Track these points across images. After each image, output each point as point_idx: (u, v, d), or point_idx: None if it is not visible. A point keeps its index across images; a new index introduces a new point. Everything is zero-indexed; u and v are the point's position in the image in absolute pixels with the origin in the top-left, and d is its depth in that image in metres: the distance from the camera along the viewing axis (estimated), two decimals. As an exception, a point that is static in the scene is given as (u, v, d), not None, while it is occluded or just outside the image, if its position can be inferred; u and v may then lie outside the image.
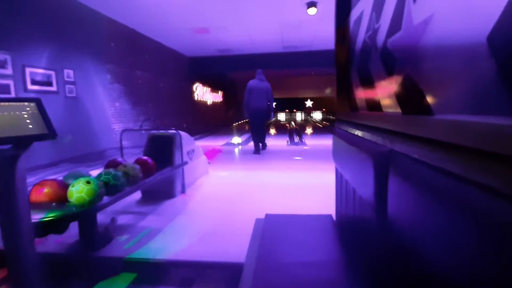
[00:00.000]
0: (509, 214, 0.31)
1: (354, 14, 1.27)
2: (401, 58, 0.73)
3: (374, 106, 0.98)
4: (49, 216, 1.44)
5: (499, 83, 0.40)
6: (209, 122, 11.71)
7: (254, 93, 5.16)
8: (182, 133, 2.88)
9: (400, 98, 0.74)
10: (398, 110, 0.75)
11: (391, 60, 0.78)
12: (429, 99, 0.59)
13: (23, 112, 1.10)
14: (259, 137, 5.44)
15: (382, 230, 0.70)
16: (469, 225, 0.37)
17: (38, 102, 1.19)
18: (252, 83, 5.22)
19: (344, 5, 1.39)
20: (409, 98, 0.68)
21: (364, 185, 0.80)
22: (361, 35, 1.11)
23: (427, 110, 0.59)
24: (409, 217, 0.57)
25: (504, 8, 0.39)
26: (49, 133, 1.16)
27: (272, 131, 10.89)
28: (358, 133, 1.01)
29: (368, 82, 1.01)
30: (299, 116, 23.23)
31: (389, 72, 0.81)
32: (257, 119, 5.31)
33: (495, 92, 0.40)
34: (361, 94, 1.13)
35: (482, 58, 0.42)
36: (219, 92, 13.86)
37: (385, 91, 0.87)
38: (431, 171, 0.46)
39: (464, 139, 0.40)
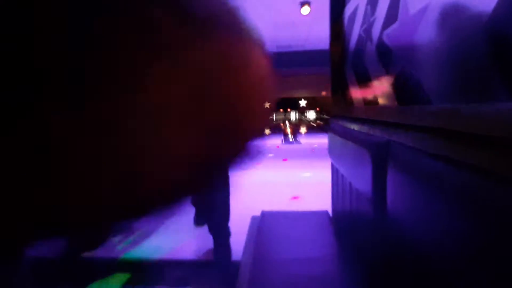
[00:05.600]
0: (510, 197, 0.30)
1: (348, 10, 1.27)
2: (397, 49, 0.72)
3: (369, 99, 0.97)
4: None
5: (495, 71, 0.39)
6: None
7: None
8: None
9: (397, 89, 0.74)
10: (395, 102, 0.75)
11: (387, 51, 0.78)
12: (426, 89, 0.58)
13: None
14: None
15: (380, 224, 0.70)
16: (471, 213, 0.36)
17: None
18: None
19: (338, 1, 1.39)
20: (406, 89, 0.68)
21: (361, 178, 0.79)
22: (356, 30, 1.10)
23: (423, 99, 0.58)
24: (409, 208, 0.56)
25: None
26: None
27: (267, 131, 10.85)
28: (354, 127, 1.01)
29: (364, 76, 1.01)
30: (293, 115, 23.31)
31: (384, 64, 0.80)
32: None
33: (492, 79, 0.40)
34: (357, 88, 1.13)
35: (479, 46, 0.42)
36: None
37: (381, 84, 0.87)
38: (430, 159, 0.46)
39: (461, 125, 0.39)
